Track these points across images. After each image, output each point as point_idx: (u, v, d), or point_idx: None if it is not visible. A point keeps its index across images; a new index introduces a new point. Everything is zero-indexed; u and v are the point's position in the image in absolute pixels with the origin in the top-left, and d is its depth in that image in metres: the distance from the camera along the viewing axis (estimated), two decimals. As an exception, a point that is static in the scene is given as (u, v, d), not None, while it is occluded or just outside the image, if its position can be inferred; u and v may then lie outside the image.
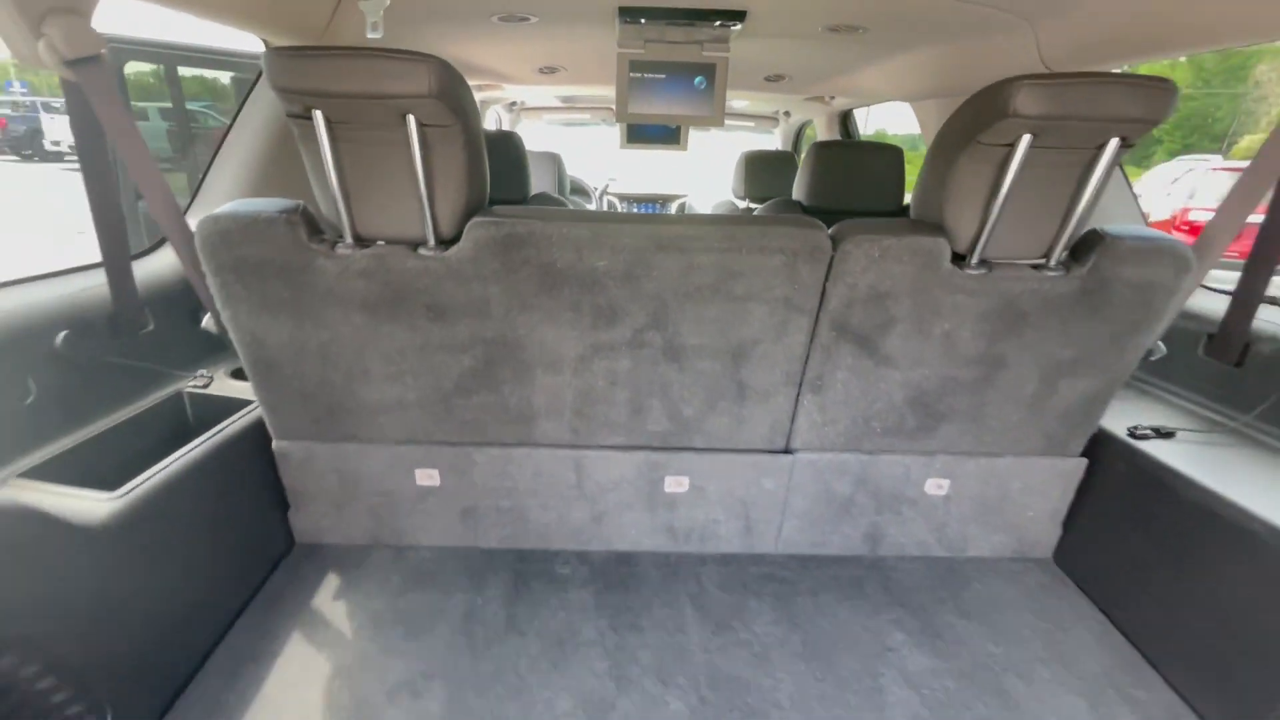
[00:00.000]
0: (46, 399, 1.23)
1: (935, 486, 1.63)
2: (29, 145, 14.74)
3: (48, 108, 14.87)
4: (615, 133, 2.76)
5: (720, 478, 1.62)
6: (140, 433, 1.41)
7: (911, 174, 1.77)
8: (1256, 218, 1.38)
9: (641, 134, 2.82)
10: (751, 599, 1.57)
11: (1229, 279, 1.47)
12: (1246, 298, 1.40)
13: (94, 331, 1.32)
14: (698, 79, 1.87)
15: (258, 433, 1.53)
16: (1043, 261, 1.31)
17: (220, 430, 1.43)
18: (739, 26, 1.71)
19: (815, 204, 2.41)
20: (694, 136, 2.80)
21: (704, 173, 4.98)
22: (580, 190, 4.56)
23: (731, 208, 3.81)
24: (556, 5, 1.67)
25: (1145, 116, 1.09)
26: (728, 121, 4.64)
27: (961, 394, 1.48)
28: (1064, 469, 1.62)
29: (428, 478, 1.60)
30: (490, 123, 4.19)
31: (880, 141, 2.68)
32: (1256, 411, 1.49)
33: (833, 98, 3.37)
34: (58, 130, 13.96)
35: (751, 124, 4.63)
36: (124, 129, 1.16)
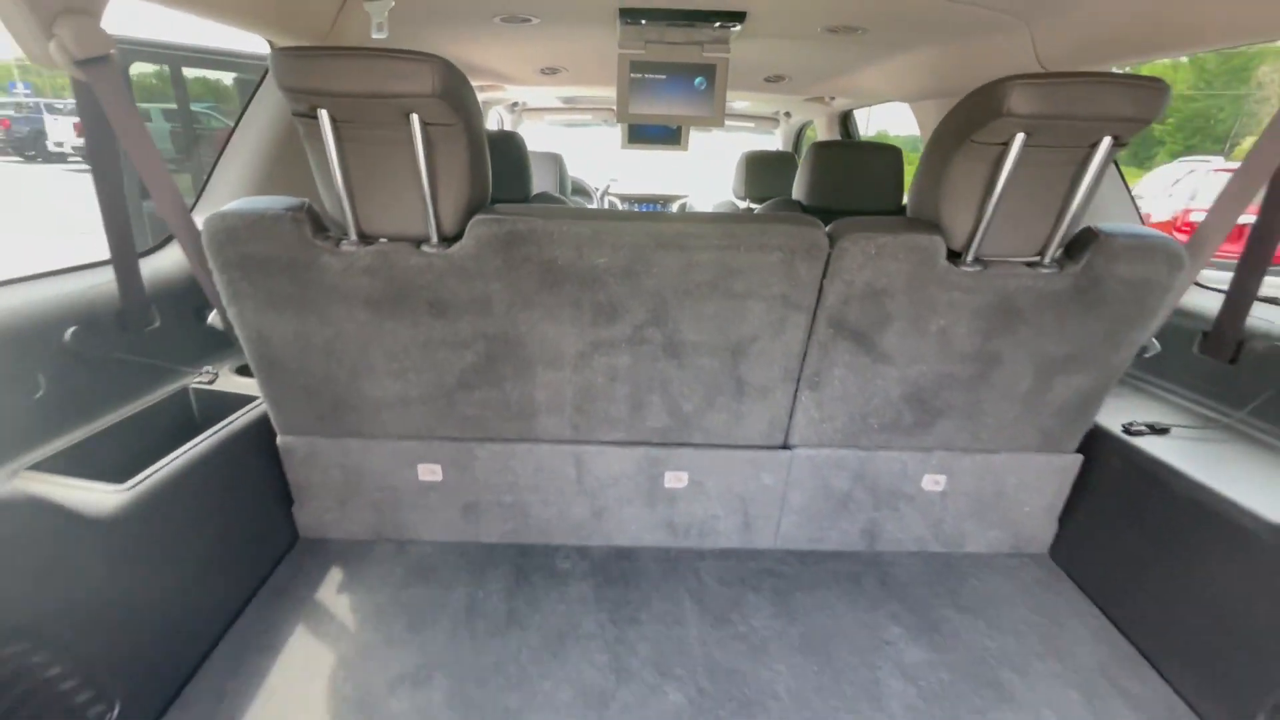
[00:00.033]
0: (56, 393, 1.26)
1: (932, 482, 1.65)
2: (32, 146, 14.80)
3: (51, 109, 14.93)
4: (617, 133, 2.78)
5: (719, 473, 1.64)
6: (147, 427, 1.43)
7: (911, 174, 1.79)
8: (1249, 218, 1.40)
9: (642, 134, 2.84)
10: (750, 593, 1.59)
11: (1224, 279, 1.49)
12: (1240, 296, 1.42)
13: (102, 327, 1.34)
14: (698, 79, 1.89)
15: (262, 428, 1.55)
16: (1037, 259, 1.33)
17: (225, 425, 1.45)
18: (739, 27, 1.73)
19: (814, 204, 2.43)
20: (695, 137, 2.82)
21: (705, 173, 5.00)
22: (581, 191, 4.58)
23: (732, 208, 3.83)
24: (558, 6, 1.69)
25: (1137, 116, 1.11)
26: (729, 122, 4.66)
27: (958, 390, 1.50)
28: (1060, 465, 1.63)
29: (430, 473, 1.62)
30: (492, 123, 4.21)
31: (879, 142, 2.70)
32: (1250, 408, 1.50)
33: (833, 98, 3.39)
34: (61, 131, 14.01)
35: (752, 125, 4.65)
36: (132, 128, 1.18)
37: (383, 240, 1.30)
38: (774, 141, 4.74)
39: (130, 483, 1.17)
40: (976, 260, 1.32)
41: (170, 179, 1.27)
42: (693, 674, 1.35)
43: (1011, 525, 1.72)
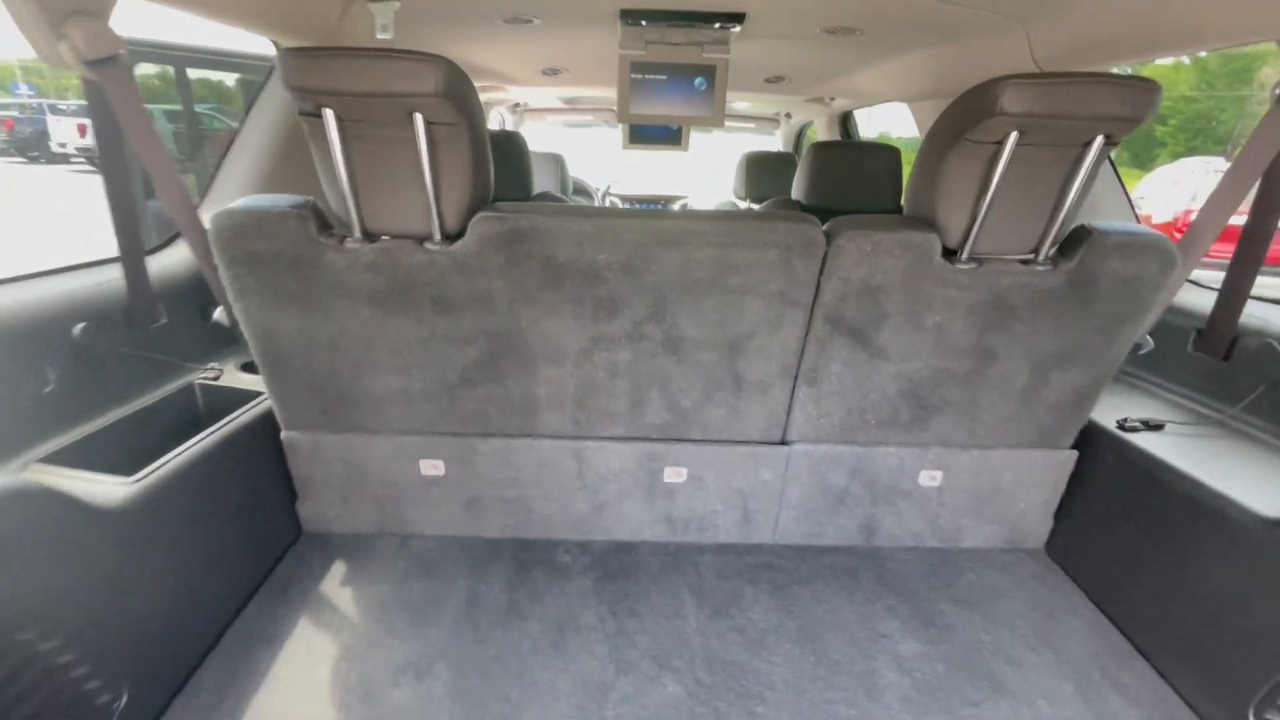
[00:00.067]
0: (64, 388, 1.28)
1: (929, 478, 1.67)
2: (35, 147, 14.83)
3: (54, 110, 14.96)
4: (619, 134, 2.80)
5: (718, 469, 1.66)
6: (153, 423, 1.45)
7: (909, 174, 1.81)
8: (1242, 218, 1.42)
9: (643, 135, 2.86)
10: (748, 587, 1.61)
11: (1219, 279, 1.50)
12: (1233, 294, 1.44)
13: (110, 324, 1.37)
14: (698, 80, 1.91)
15: (267, 424, 1.57)
16: (1032, 256, 1.35)
17: (231, 421, 1.47)
18: (738, 28, 1.75)
19: (813, 203, 2.45)
20: (696, 138, 2.84)
21: (706, 174, 5.02)
22: (583, 191, 4.61)
23: (733, 208, 3.85)
24: (559, 8, 1.71)
25: (1129, 115, 1.13)
26: (729, 123, 4.68)
27: (954, 386, 1.52)
28: (1055, 461, 1.65)
29: (433, 468, 1.64)
30: (494, 124, 4.24)
31: (878, 142, 2.72)
32: (1243, 404, 1.52)
33: (832, 99, 3.41)
34: (64, 132, 14.04)
35: (753, 125, 4.67)
36: (141, 128, 1.21)
37: (386, 237, 1.32)
38: (775, 142, 4.76)
39: (138, 475, 1.19)
40: (972, 257, 1.34)
41: (178, 177, 1.30)
42: (691, 665, 1.37)
43: (1008, 521, 1.74)
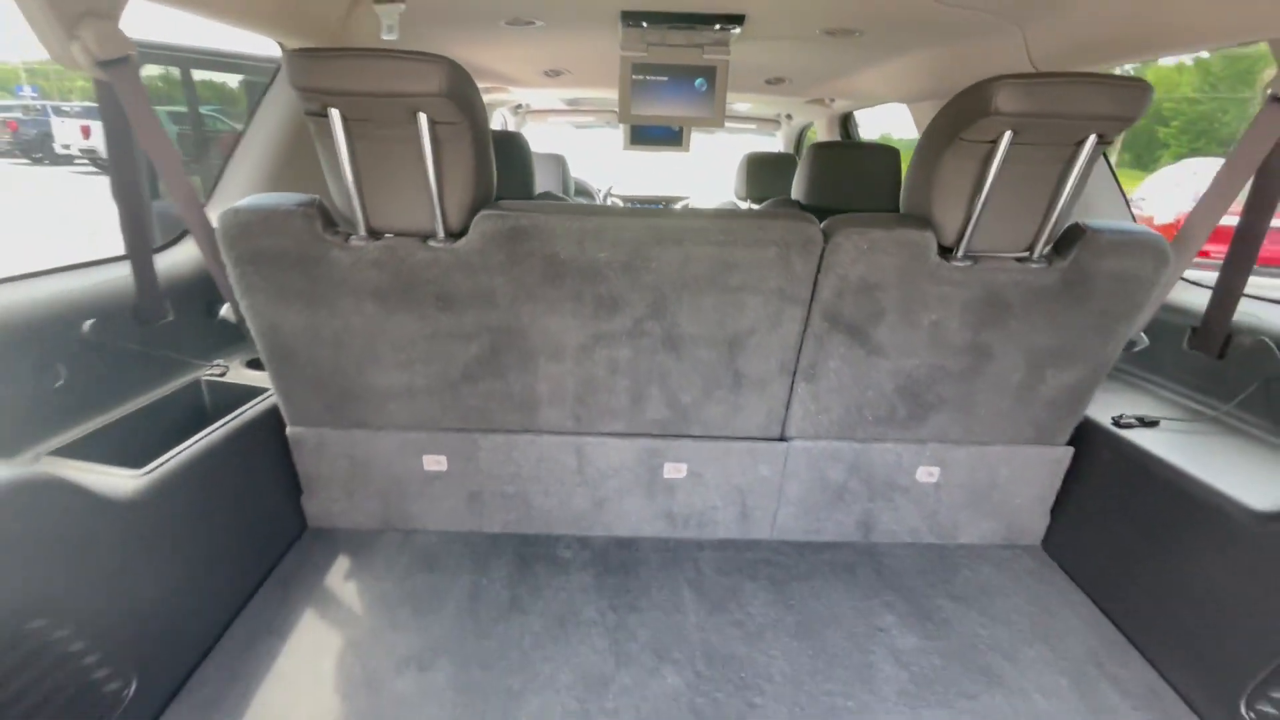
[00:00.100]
0: (75, 383, 1.30)
1: (926, 474, 1.68)
2: (39, 148, 14.90)
3: (58, 111, 15.02)
4: (620, 135, 2.81)
5: (717, 465, 1.68)
6: (160, 418, 1.47)
7: (908, 175, 1.82)
8: (1236, 219, 1.43)
9: (644, 135, 2.87)
10: (747, 582, 1.62)
11: (1214, 279, 1.52)
12: (1227, 292, 1.46)
13: (118, 320, 1.39)
14: (698, 81, 1.93)
15: (272, 419, 1.60)
16: (1026, 254, 1.37)
17: (237, 416, 1.49)
18: (738, 30, 1.76)
19: (813, 203, 2.47)
20: (698, 140, 2.86)
21: (708, 175, 5.05)
22: (584, 192, 4.63)
23: (734, 208, 3.85)
24: (561, 9, 1.73)
25: (1121, 114, 1.15)
26: (731, 125, 4.71)
27: (950, 383, 1.53)
28: (1051, 457, 1.67)
29: (435, 463, 1.66)
30: (496, 126, 4.26)
31: (877, 143, 2.73)
32: (1236, 401, 1.53)
33: (833, 100, 3.43)
34: (68, 134, 14.10)
35: (754, 127, 4.69)
36: (151, 127, 1.23)
37: (390, 235, 1.34)
38: (776, 144, 4.79)
39: (147, 468, 1.21)
40: (967, 255, 1.36)
41: (186, 177, 1.33)
42: (690, 658, 1.39)
43: (1004, 517, 1.76)
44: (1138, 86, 1.13)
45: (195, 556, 1.32)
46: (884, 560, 1.72)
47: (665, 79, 1.92)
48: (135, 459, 1.23)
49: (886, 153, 2.45)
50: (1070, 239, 1.37)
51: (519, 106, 4.18)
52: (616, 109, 1.99)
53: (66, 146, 14.12)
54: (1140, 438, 1.52)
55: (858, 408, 1.58)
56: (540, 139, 4.00)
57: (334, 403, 1.56)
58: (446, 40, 2.07)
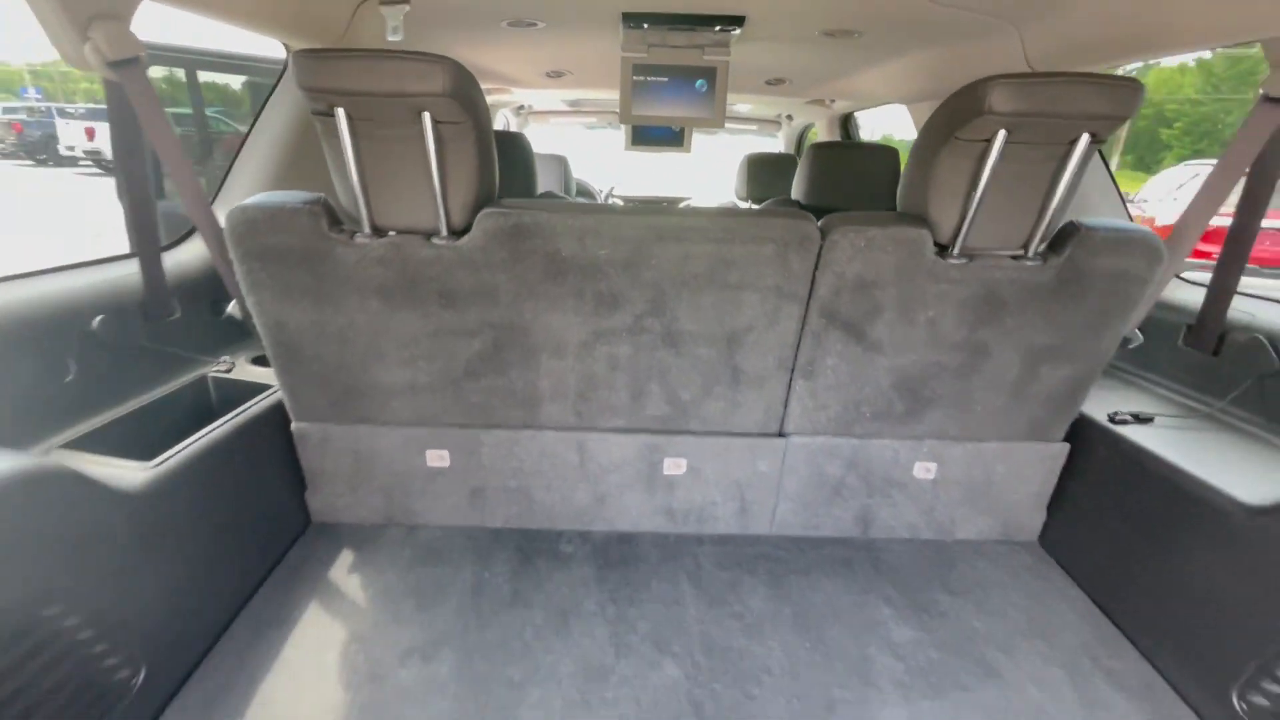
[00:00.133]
0: (84, 377, 1.32)
1: (923, 470, 1.70)
2: (44, 150, 14.97)
3: (62, 113, 15.09)
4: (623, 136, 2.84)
5: (717, 460, 1.69)
6: (168, 413, 1.50)
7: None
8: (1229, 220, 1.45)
9: (646, 136, 2.89)
10: (746, 576, 1.64)
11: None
12: (1221, 290, 1.47)
13: (127, 317, 1.41)
14: (699, 82, 1.95)
15: (277, 415, 1.62)
16: (1021, 252, 1.38)
17: (243, 411, 1.51)
18: (738, 31, 1.78)
19: (812, 202, 2.49)
20: (699, 141, 2.88)
21: (709, 177, 5.07)
22: (586, 193, 4.65)
23: (734, 208, 3.87)
24: (563, 11, 1.76)
25: (1113, 113, 1.16)
26: (733, 126, 4.73)
27: (947, 380, 1.55)
28: (1047, 453, 1.68)
29: (438, 459, 1.68)
30: (499, 126, 4.28)
31: (876, 143, 2.76)
32: (1230, 397, 1.55)
33: (833, 101, 3.45)
34: (72, 135, 14.16)
35: (755, 128, 4.71)
36: (160, 127, 1.26)
37: (394, 233, 1.37)
38: (777, 144, 4.81)
39: (156, 460, 1.23)
40: (963, 253, 1.38)
41: (194, 176, 1.35)
42: (689, 650, 1.41)
43: (1001, 513, 1.77)
44: (1129, 86, 1.15)
45: (201, 549, 1.34)
46: (882, 555, 1.74)
47: (666, 80, 1.94)
48: (143, 453, 1.25)
49: (885, 153, 2.47)
50: (1065, 237, 1.38)
51: (521, 108, 4.20)
52: (618, 110, 2.01)
53: (71, 148, 14.18)
54: (1135, 434, 1.53)
55: (855, 404, 1.60)
56: (546, 141, 4.02)
57: (338, 398, 1.58)
58: (449, 41, 2.10)
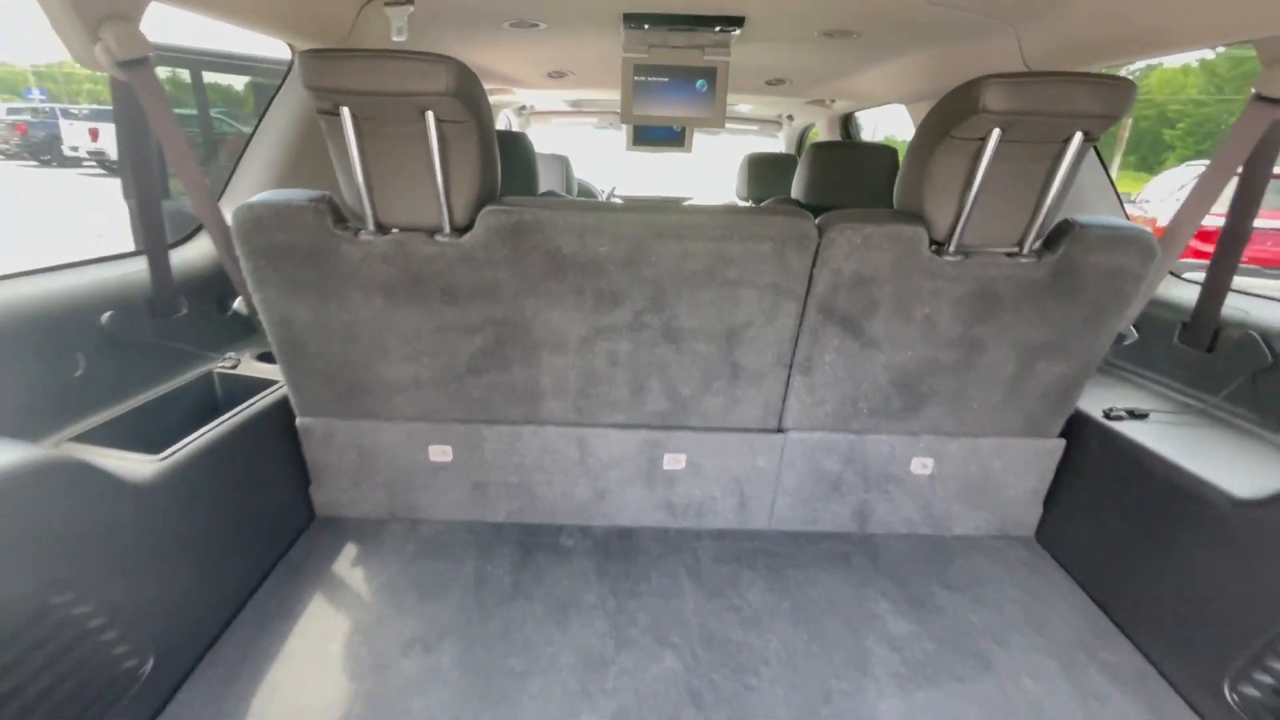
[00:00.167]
0: (93, 372, 1.35)
1: (920, 466, 1.72)
2: (47, 151, 15.03)
3: (66, 114, 15.15)
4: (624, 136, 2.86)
5: (716, 456, 1.71)
6: (174, 407, 1.52)
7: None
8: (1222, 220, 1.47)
9: (647, 136, 2.91)
10: (745, 570, 1.66)
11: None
12: (1215, 287, 1.49)
13: (135, 313, 1.44)
14: (699, 82, 1.97)
15: (282, 411, 1.64)
16: (1016, 249, 1.40)
17: (248, 406, 1.53)
18: (738, 32, 1.80)
19: (812, 202, 2.51)
20: (701, 142, 2.90)
21: (710, 177, 5.09)
22: (587, 193, 4.68)
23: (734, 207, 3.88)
24: (564, 12, 1.78)
25: (1106, 112, 1.18)
26: (734, 126, 4.75)
27: (943, 376, 1.57)
28: (1043, 449, 1.70)
29: (441, 454, 1.70)
30: (501, 127, 4.31)
31: (875, 143, 2.77)
32: (1224, 393, 1.56)
33: (833, 101, 3.47)
34: (76, 136, 14.22)
35: (756, 128, 4.73)
36: (168, 127, 1.28)
37: (398, 230, 1.39)
38: (778, 144, 4.83)
39: (164, 453, 1.26)
40: (959, 250, 1.39)
41: (201, 174, 1.37)
42: (688, 642, 1.43)
43: (998, 508, 1.79)
44: (1121, 85, 1.17)
45: (208, 541, 1.36)
46: (879, 550, 1.75)
47: (666, 80, 1.96)
48: (151, 446, 1.27)
49: (884, 152, 2.49)
50: (1060, 234, 1.40)
51: (523, 108, 4.23)
52: (619, 110, 2.03)
53: (75, 149, 14.24)
54: (1130, 430, 1.55)
55: (852, 400, 1.62)
56: (548, 142, 4.04)
57: (343, 394, 1.61)
58: (452, 42, 2.12)
